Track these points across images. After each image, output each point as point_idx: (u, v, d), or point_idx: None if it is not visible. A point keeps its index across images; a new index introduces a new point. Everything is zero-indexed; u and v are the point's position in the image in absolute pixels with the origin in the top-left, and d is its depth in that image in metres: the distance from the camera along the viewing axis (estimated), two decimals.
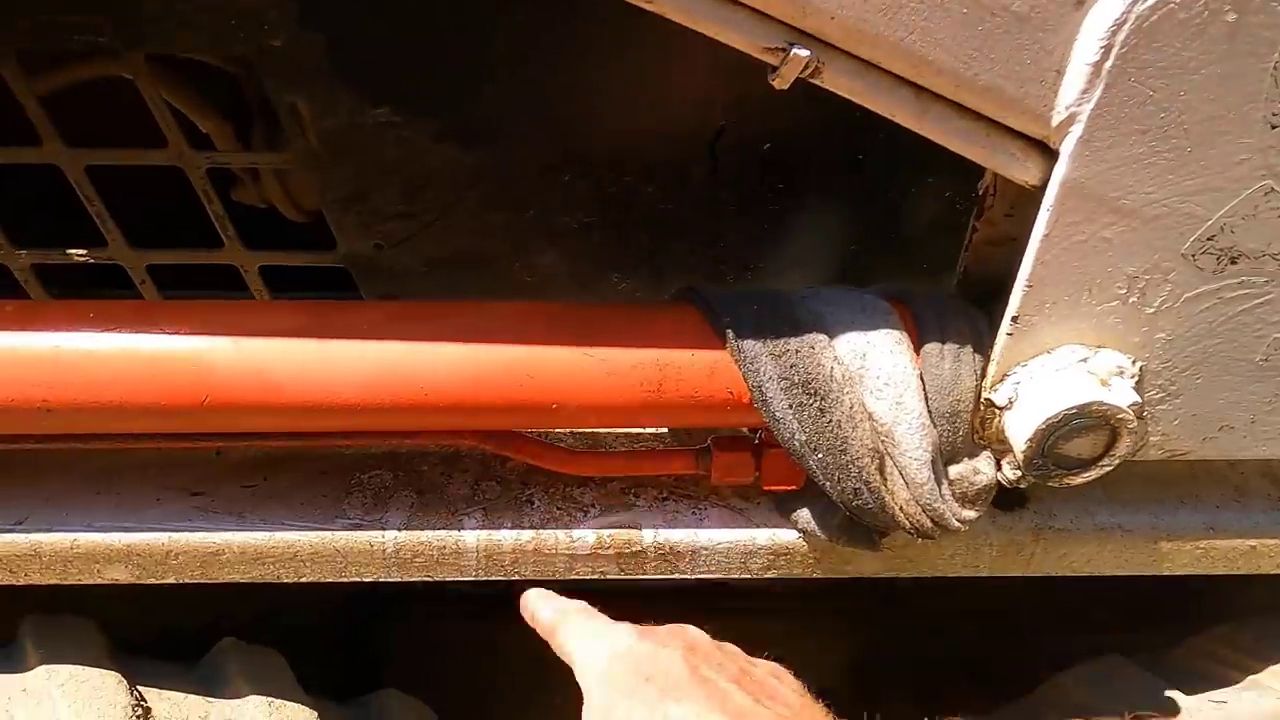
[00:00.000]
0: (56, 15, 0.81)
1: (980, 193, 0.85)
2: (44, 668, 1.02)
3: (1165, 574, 1.01)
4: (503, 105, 0.92)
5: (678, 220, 1.00)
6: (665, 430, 1.02)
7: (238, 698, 1.08)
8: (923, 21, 0.64)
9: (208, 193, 0.95)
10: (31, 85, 0.87)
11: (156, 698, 1.04)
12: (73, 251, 0.98)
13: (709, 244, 1.03)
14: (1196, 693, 1.17)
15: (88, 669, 1.02)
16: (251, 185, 1.04)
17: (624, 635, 0.74)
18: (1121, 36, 0.64)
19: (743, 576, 0.98)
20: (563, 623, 0.79)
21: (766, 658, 0.79)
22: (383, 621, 1.62)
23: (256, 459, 0.98)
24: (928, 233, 1.03)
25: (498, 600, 1.54)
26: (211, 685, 1.10)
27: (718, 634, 0.80)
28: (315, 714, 1.09)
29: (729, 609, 1.64)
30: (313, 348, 0.80)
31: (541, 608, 0.82)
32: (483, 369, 0.81)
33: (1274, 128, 0.69)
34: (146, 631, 1.12)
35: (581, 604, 0.82)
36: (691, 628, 0.78)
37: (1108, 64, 0.65)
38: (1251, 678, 1.15)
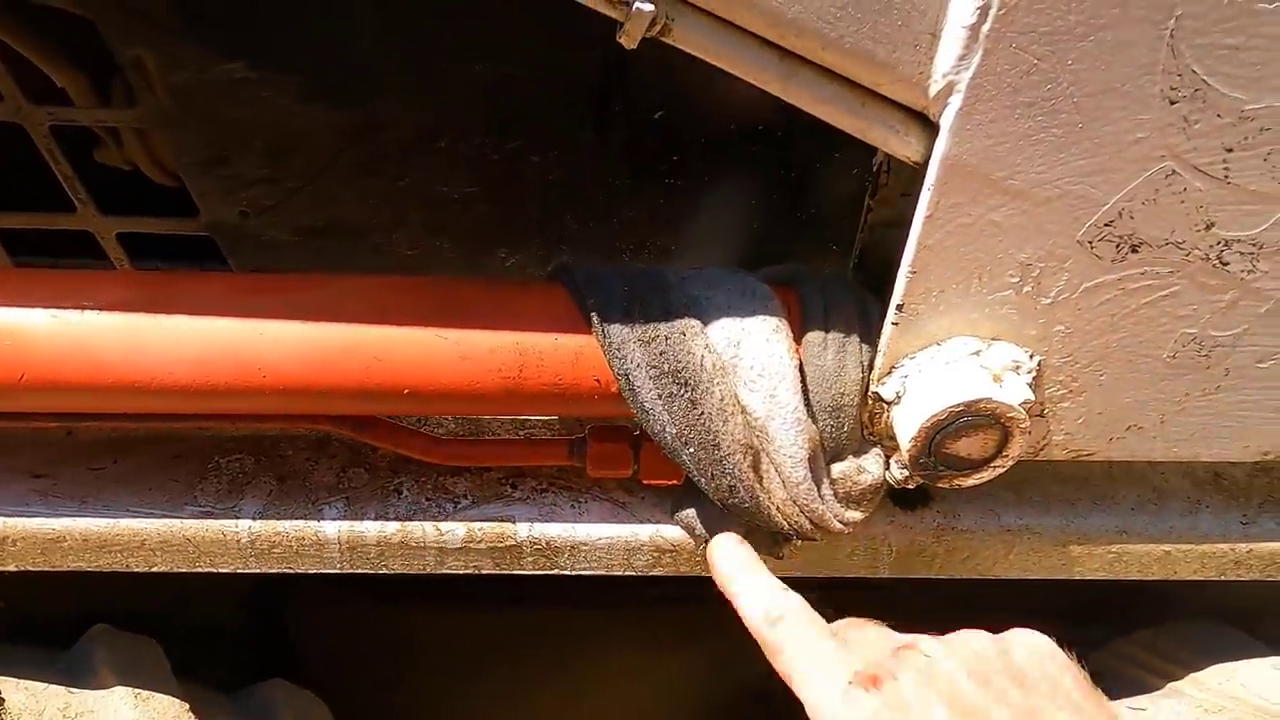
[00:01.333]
0: None
1: (874, 170, 0.79)
2: None
3: (1075, 578, 0.96)
4: (372, 61, 0.85)
5: (569, 191, 0.93)
6: (555, 418, 0.97)
7: (103, 688, 1.03)
8: None
9: (52, 152, 0.88)
10: None
11: (13, 688, 0.98)
12: None
13: (603, 219, 0.96)
14: (1117, 697, 1.12)
15: None
16: (114, 146, 0.97)
17: (866, 702, 0.60)
18: None
19: (625, 572, 0.93)
20: (785, 639, 0.67)
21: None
22: (297, 608, 1.57)
23: (109, 440, 0.92)
24: (838, 210, 0.97)
25: (413, 583, 1.51)
26: (76, 675, 1.04)
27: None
28: (185, 705, 1.04)
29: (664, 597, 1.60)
30: (141, 322, 0.74)
31: (745, 593, 0.72)
32: (326, 349, 0.75)
33: (1173, 103, 0.62)
34: (9, 618, 1.06)
35: (799, 605, 0.70)
36: (942, 658, 0.63)
37: (985, 27, 0.59)
38: (1172, 685, 1.10)
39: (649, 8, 0.59)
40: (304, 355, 0.75)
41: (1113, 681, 1.15)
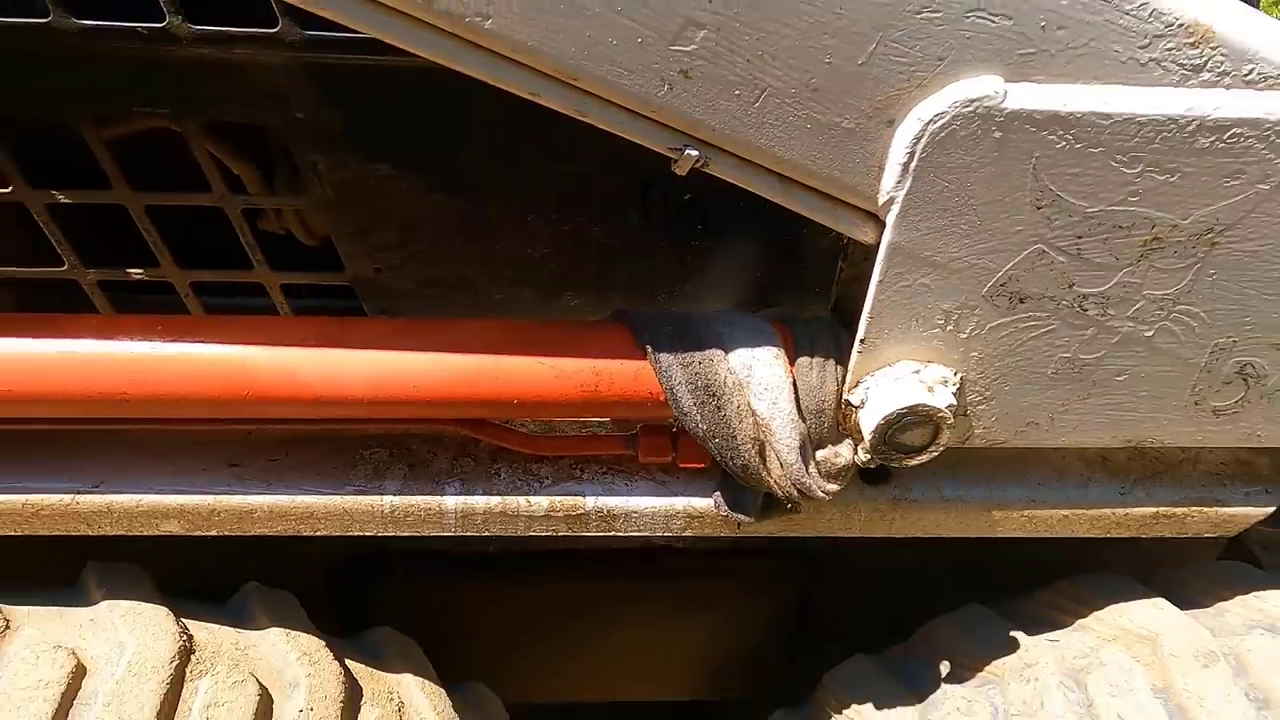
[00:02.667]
0: (130, 102, 1.05)
1: (845, 241, 1.11)
2: (106, 602, 1.27)
3: (998, 536, 1.28)
4: (477, 162, 1.16)
5: (619, 252, 1.25)
6: (609, 421, 1.28)
7: (261, 628, 1.34)
8: (779, 134, 0.89)
9: (242, 227, 1.19)
10: (100, 134, 1.11)
11: (196, 628, 1.29)
12: (132, 271, 1.22)
13: (644, 271, 1.28)
14: (1038, 633, 1.44)
15: (143, 603, 1.27)
16: (274, 217, 1.28)
17: None
18: (920, 146, 0.90)
19: (665, 534, 1.24)
20: None
21: None
22: (372, 579, 1.87)
23: (279, 439, 1.23)
24: (816, 264, 1.29)
25: (474, 559, 1.82)
26: (239, 619, 1.35)
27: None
28: (323, 642, 1.35)
29: (678, 570, 1.91)
30: (332, 355, 1.05)
31: None
32: (461, 372, 1.06)
33: (1039, 208, 0.95)
34: (181, 582, 1.36)
35: None
36: None
37: (913, 164, 0.91)
38: (1079, 621, 1.43)
39: (694, 153, 0.91)
40: (446, 376, 1.06)
41: (1036, 623, 1.47)
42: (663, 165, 1.12)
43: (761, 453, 1.09)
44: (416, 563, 1.86)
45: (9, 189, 1.13)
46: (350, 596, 1.90)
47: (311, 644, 1.34)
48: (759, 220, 1.23)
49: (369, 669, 1.41)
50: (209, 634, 1.29)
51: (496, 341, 1.08)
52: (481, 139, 1.14)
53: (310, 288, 1.31)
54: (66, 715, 1.12)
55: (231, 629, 1.33)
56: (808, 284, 1.31)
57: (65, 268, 1.21)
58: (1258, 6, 0.97)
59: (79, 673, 1.16)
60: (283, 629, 1.34)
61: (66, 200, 1.14)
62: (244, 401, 1.05)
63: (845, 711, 1.54)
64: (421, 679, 1.46)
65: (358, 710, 1.31)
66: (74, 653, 1.17)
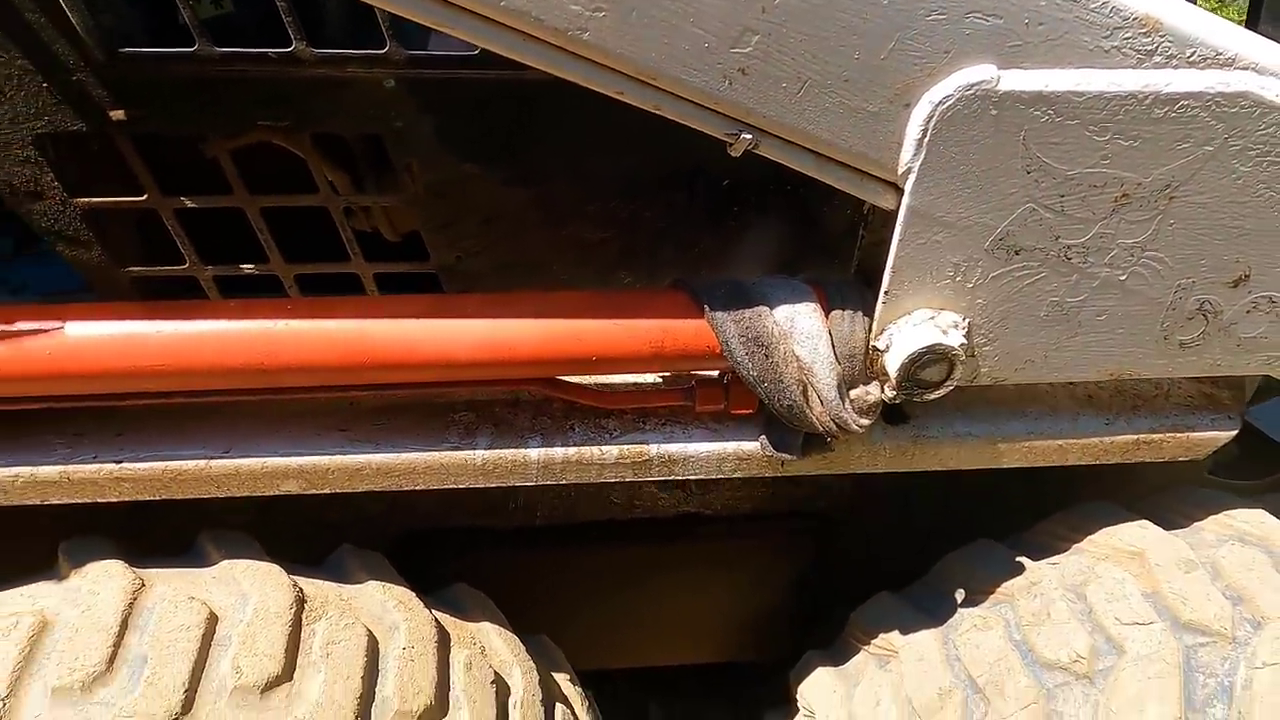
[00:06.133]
0: (256, 117, 1.23)
1: (866, 212, 1.31)
2: (225, 561, 1.44)
3: (1004, 467, 1.48)
4: (549, 160, 1.36)
5: (668, 232, 1.44)
6: (661, 379, 1.47)
7: (359, 583, 1.50)
8: (817, 118, 1.09)
9: (342, 224, 1.37)
10: (222, 146, 1.29)
11: (304, 583, 1.45)
12: (245, 266, 1.40)
13: (690, 248, 1.47)
14: (1041, 558, 1.64)
15: (259, 561, 1.43)
16: (363, 217, 1.46)
17: None
18: (932, 124, 1.10)
19: (718, 476, 1.43)
20: None
21: None
22: (428, 553, 2.03)
23: (379, 407, 1.40)
24: (837, 236, 1.49)
25: (525, 534, 1.99)
26: (338, 574, 1.51)
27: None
28: (413, 594, 1.52)
29: (706, 534, 2.10)
30: (439, 324, 1.23)
31: None
32: (548, 334, 1.25)
33: (1029, 173, 1.15)
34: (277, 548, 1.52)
35: None
36: None
37: (926, 139, 1.11)
38: (1075, 545, 1.63)
39: (749, 136, 1.11)
40: (535, 338, 1.25)
41: (1039, 550, 1.67)
42: (704, 156, 1.32)
43: (805, 393, 1.28)
44: (466, 539, 2.03)
45: (144, 196, 1.30)
46: (408, 571, 2.07)
47: (405, 594, 1.51)
48: (787, 200, 1.43)
49: (452, 619, 1.58)
50: (315, 588, 1.46)
51: (576, 308, 1.26)
52: (552, 139, 1.33)
53: (389, 280, 1.49)
54: (207, 653, 1.28)
55: (333, 583, 1.49)
56: (831, 253, 1.51)
57: (187, 265, 1.38)
58: (1195, 2, 1.19)
59: (212, 620, 1.32)
60: (378, 582, 1.51)
61: (192, 205, 1.32)
62: (365, 367, 1.22)
63: (874, 643, 1.73)
64: (498, 626, 1.63)
65: (449, 651, 1.48)
66: (205, 603, 1.34)
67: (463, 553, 2.04)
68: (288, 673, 1.29)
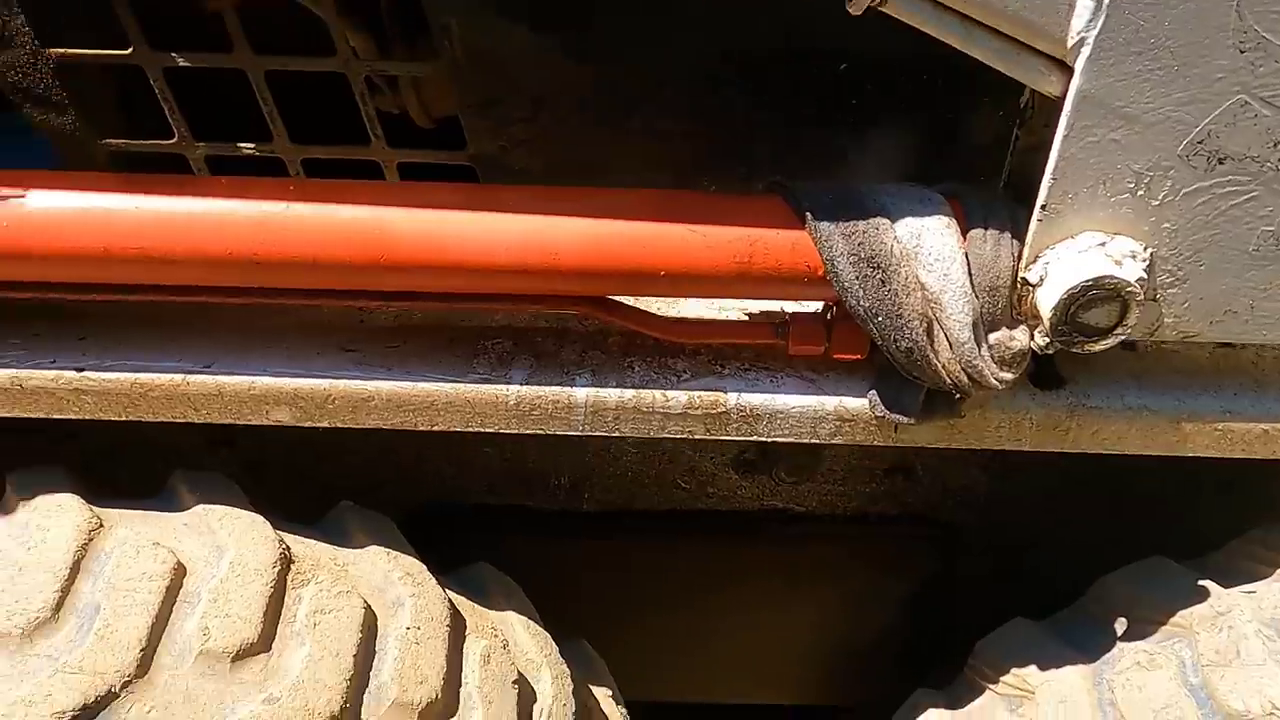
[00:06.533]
0: None
1: (1022, 106, 1.28)
2: (200, 506, 1.48)
3: (1188, 454, 1.43)
4: (619, 29, 1.36)
5: (765, 130, 1.43)
6: (746, 315, 1.46)
7: (359, 547, 1.53)
8: None
9: (364, 96, 1.40)
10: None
11: (295, 542, 1.48)
12: (243, 145, 1.44)
13: (792, 151, 1.46)
14: (1233, 586, 1.58)
15: (238, 509, 1.47)
16: (389, 94, 1.49)
17: None
18: None
19: (811, 440, 1.41)
20: None
21: None
22: (446, 535, 2.06)
23: (394, 325, 1.43)
24: (982, 147, 1.46)
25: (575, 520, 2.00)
26: (334, 536, 1.54)
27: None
28: (424, 566, 1.53)
29: (793, 537, 2.08)
30: (472, 218, 1.25)
31: None
32: (606, 238, 1.25)
33: (1243, 52, 1.11)
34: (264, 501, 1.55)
35: None
36: None
37: (1106, 1, 1.08)
38: (1279, 571, 1.56)
39: None
40: (589, 243, 1.25)
41: (1229, 575, 1.61)
42: (816, 30, 1.31)
43: (929, 332, 1.25)
44: (493, 518, 2.06)
45: (128, 50, 1.35)
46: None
47: (415, 565, 1.53)
48: (919, 90, 1.41)
49: (470, 602, 1.59)
50: (306, 547, 1.49)
51: (643, 208, 1.26)
52: (624, 2, 1.34)
53: (418, 173, 1.52)
54: (171, 609, 1.32)
55: (327, 545, 1.52)
56: (973, 166, 1.47)
57: (175, 140, 1.43)
58: None
59: (180, 571, 1.36)
60: (383, 548, 1.54)
61: (185, 64, 1.36)
62: (381, 267, 1.24)
63: (1004, 680, 1.69)
64: (526, 619, 1.64)
65: (462, 639, 1.50)
66: (173, 551, 1.38)
67: (487, 535, 2.06)
68: (264, 641, 1.32)
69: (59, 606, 1.29)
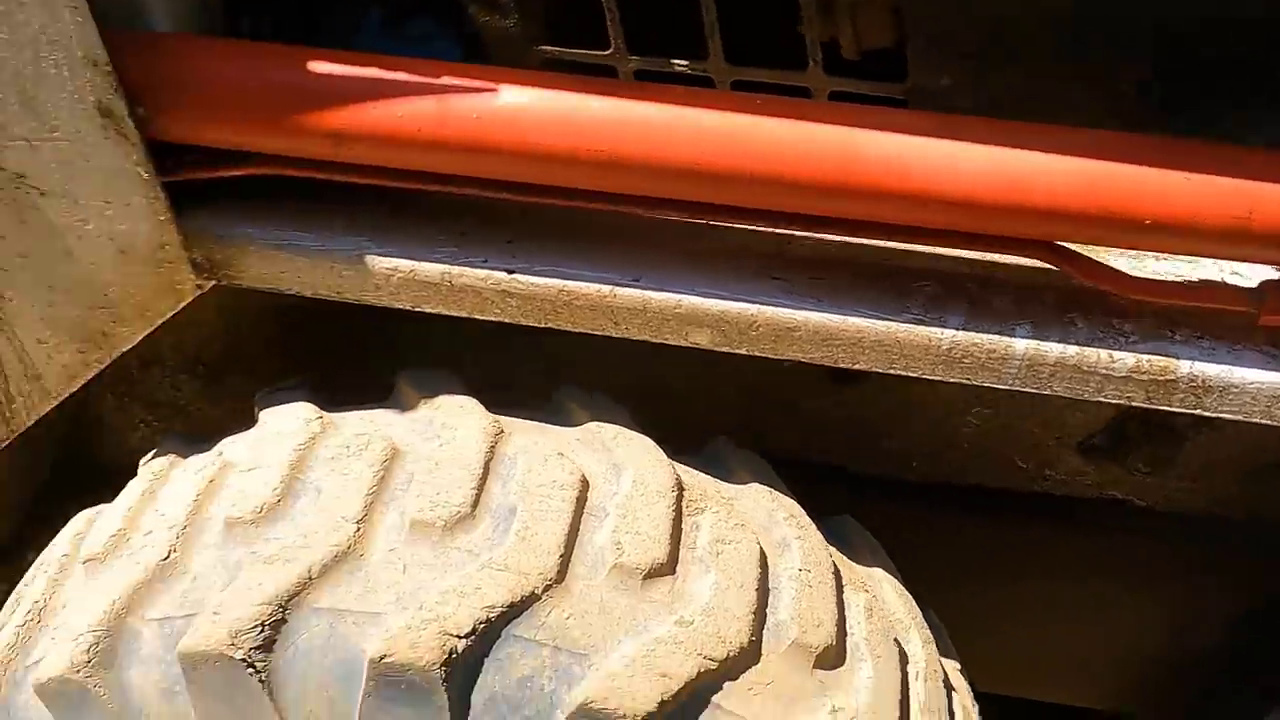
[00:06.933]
0: None
1: None
2: (593, 423, 1.47)
3: None
4: None
5: (1248, 77, 1.32)
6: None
7: (741, 483, 1.50)
8: None
9: (811, 19, 1.35)
10: None
11: (680, 469, 1.46)
12: (676, 61, 1.42)
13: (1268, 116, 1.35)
14: None
15: (629, 430, 1.46)
16: (820, 21, 1.44)
17: None
18: None
19: (1265, 422, 1.29)
20: None
21: None
22: None
23: (815, 258, 1.38)
24: None
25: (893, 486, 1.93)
26: (714, 470, 1.52)
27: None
28: (803, 510, 1.49)
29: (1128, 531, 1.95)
30: (945, 146, 1.19)
31: None
32: (1083, 176, 1.17)
33: None
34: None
35: None
36: None
37: None
38: None
39: None
40: (1064, 179, 1.17)
41: None
42: None
43: None
44: (814, 475, 2.00)
45: None
46: None
47: (795, 508, 1.49)
48: None
49: (840, 555, 1.54)
50: (693, 478, 1.46)
51: (1124, 150, 1.18)
52: None
53: None
54: (580, 520, 1.31)
55: (710, 478, 1.50)
56: None
57: (609, 51, 1.42)
58: None
59: (585, 484, 1.35)
60: (764, 487, 1.50)
61: None
62: (850, 192, 1.20)
63: None
64: (892, 579, 1.58)
65: (843, 591, 1.45)
66: (576, 464, 1.37)
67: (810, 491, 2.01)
68: (670, 564, 1.30)
69: (476, 504, 1.30)
